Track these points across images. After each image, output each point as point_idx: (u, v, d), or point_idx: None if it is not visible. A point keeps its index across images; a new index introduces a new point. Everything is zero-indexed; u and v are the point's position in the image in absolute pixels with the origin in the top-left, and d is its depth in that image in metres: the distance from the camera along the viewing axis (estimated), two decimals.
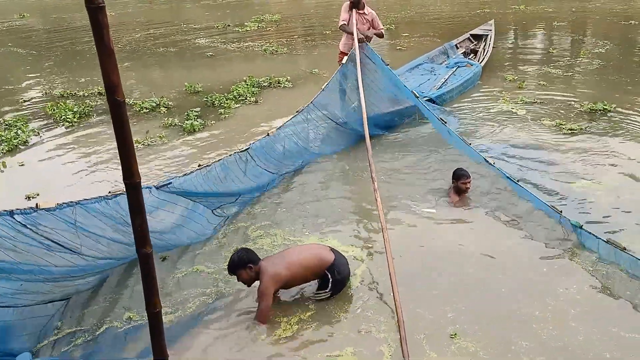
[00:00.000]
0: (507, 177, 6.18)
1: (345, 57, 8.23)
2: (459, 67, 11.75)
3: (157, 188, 4.99)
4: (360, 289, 5.19)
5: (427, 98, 9.32)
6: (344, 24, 8.84)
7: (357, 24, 8.49)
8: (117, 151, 2.10)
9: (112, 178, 7.83)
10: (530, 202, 6.19)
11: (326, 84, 7.82)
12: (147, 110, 11.19)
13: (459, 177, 6.48)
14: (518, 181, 6.15)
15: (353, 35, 8.32)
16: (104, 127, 10.25)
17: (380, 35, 9.33)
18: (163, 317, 4.72)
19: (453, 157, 7.64)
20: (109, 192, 4.46)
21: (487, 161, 6.51)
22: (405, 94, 8.06)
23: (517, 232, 5.93)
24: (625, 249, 4.91)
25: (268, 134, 6.89)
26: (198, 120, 10.07)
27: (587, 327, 4.49)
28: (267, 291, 4.74)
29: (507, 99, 10.54)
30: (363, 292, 5.13)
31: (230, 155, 6.21)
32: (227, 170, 6.15)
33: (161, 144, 9.25)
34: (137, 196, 2.24)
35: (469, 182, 6.47)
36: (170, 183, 5.12)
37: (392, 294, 4.87)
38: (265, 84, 12.54)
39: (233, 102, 11.25)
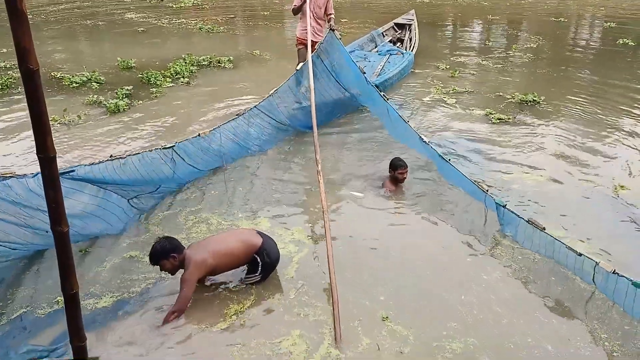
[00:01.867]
0: (439, 156, 6.32)
1: (300, 64, 8.00)
2: (390, 54, 11.97)
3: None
4: (294, 274, 5.15)
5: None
6: (295, 6, 8.66)
7: (311, 6, 8.35)
8: None
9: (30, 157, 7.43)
10: (458, 186, 6.38)
11: (275, 89, 7.58)
12: (77, 85, 10.67)
13: (397, 167, 6.56)
14: (449, 160, 6.30)
15: (306, 19, 8.19)
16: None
17: (329, 21, 8.96)
18: (91, 302, 4.67)
19: (391, 146, 7.77)
20: None
21: (422, 139, 6.59)
22: (358, 78, 8.04)
23: (445, 220, 6.06)
24: (544, 229, 5.11)
25: (199, 135, 6.48)
26: (125, 99, 9.57)
27: (510, 312, 4.65)
28: (191, 278, 4.57)
29: (439, 87, 10.80)
30: (297, 277, 5.09)
31: (151, 151, 5.78)
32: (148, 166, 5.73)
33: (79, 124, 8.71)
34: (52, 171, 2.12)
35: (406, 172, 6.57)
36: (72, 171, 4.75)
37: (326, 278, 4.91)
38: (205, 63, 12.24)
39: (169, 80, 10.91)
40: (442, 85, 11.00)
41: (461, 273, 5.18)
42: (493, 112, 9.40)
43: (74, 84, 10.65)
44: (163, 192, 6.33)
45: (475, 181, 5.97)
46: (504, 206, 5.53)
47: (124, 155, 5.37)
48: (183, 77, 11.14)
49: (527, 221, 5.26)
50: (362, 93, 8.53)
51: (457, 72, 11.95)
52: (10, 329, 4.45)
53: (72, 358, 2.50)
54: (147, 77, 10.93)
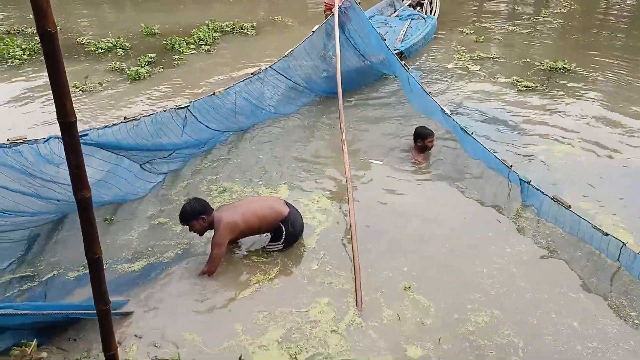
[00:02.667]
0: (462, 129, 6.19)
1: (316, 26, 7.73)
2: (412, 19, 11.57)
3: None
4: (316, 244, 5.14)
5: (397, 51, 9.18)
6: None
7: None
8: None
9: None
10: (482, 160, 6.22)
11: (291, 50, 7.37)
12: (103, 50, 10.65)
13: (425, 135, 6.43)
14: (472, 134, 6.18)
15: None
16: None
17: None
18: (124, 267, 4.76)
19: (413, 115, 7.61)
20: (8, 140, 4.12)
21: (444, 111, 6.43)
22: (380, 45, 7.85)
23: (468, 192, 5.96)
24: (569, 207, 5.00)
25: (214, 93, 6.36)
26: (145, 67, 9.50)
27: (534, 286, 4.57)
28: (223, 241, 4.65)
29: (463, 54, 10.48)
30: (319, 248, 5.08)
31: (165, 111, 5.71)
32: (159, 126, 5.63)
33: (100, 91, 8.70)
34: (73, 136, 2.09)
35: (433, 140, 6.45)
36: (86, 135, 4.66)
37: (348, 248, 4.91)
38: (228, 29, 12.10)
39: (193, 47, 10.81)
40: (466, 51, 10.66)
41: (483, 246, 5.11)
42: (520, 79, 9.10)
43: (100, 50, 10.65)
44: (179, 159, 6.26)
45: (499, 157, 5.78)
46: (529, 182, 5.40)
47: (138, 117, 5.30)
48: (206, 44, 11.04)
49: (552, 198, 5.13)
50: (382, 61, 8.34)
51: (482, 37, 11.58)
52: (42, 290, 4.57)
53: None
54: (170, 43, 10.86)
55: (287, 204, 5.05)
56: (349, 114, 7.69)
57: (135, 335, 4.10)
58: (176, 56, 10.25)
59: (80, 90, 8.62)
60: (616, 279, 4.65)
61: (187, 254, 4.99)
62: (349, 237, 4.98)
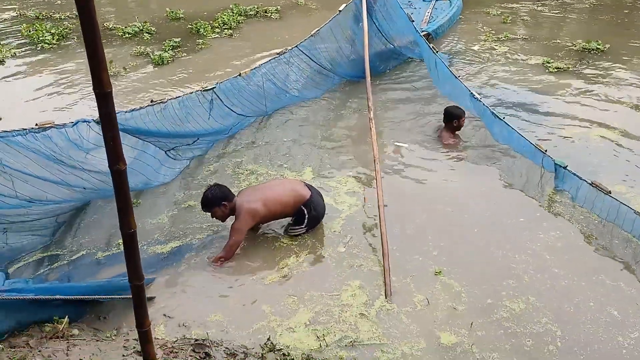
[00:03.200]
0: (493, 114, 6.00)
1: (343, 5, 7.50)
2: (436, 0, 11.25)
3: (97, 122, 4.42)
4: (340, 228, 5.06)
5: (424, 32, 8.98)
6: None
7: None
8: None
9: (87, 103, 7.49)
10: (513, 144, 6.02)
11: (317, 29, 7.20)
12: (130, 35, 10.64)
13: (458, 115, 6.28)
14: (504, 118, 5.99)
15: None
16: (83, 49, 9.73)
17: None
18: (154, 248, 4.75)
19: (438, 99, 7.44)
20: (36, 125, 4.08)
21: (473, 95, 6.24)
22: (407, 27, 7.63)
23: (499, 175, 5.82)
24: (609, 193, 4.83)
25: (240, 74, 6.20)
26: (169, 51, 9.42)
27: (569, 273, 4.43)
28: (243, 228, 4.59)
29: (490, 35, 10.18)
30: (345, 231, 5.00)
31: (191, 93, 5.63)
32: (186, 109, 5.54)
33: (124, 75, 8.67)
34: (109, 108, 2.04)
35: (464, 119, 6.32)
36: None
37: (375, 231, 4.84)
38: (252, 13, 11.99)
39: (218, 31, 10.75)
40: (493, 32, 10.34)
41: (516, 231, 4.97)
42: (550, 60, 8.79)
43: (127, 35, 10.64)
44: (202, 145, 6.17)
45: (533, 142, 5.61)
46: (565, 167, 5.23)
47: (165, 100, 5.24)
48: (229, 28, 10.96)
49: (590, 183, 4.96)
50: (408, 45, 8.16)
51: (509, 18, 11.21)
52: (71, 269, 4.60)
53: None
54: (196, 27, 10.81)
55: (308, 186, 4.98)
56: (373, 97, 7.54)
57: (165, 315, 4.10)
58: (200, 40, 10.17)
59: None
60: None
61: (216, 237, 4.97)
62: (377, 219, 4.89)
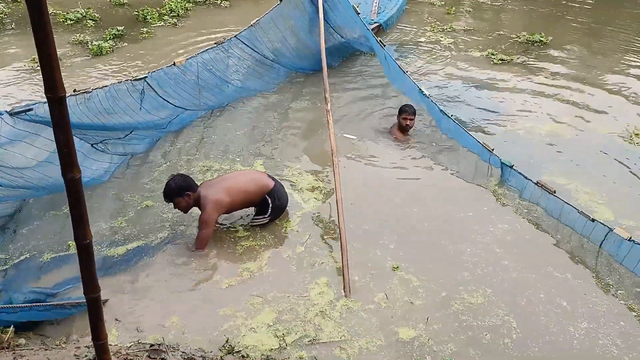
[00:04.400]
0: (441, 111, 6.08)
1: None
2: None
3: (11, 115, 4.08)
4: (301, 223, 5.04)
5: (375, 24, 8.96)
6: None
7: None
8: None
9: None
10: (461, 140, 6.12)
11: (257, 19, 6.98)
12: (72, 22, 10.15)
13: (401, 112, 6.32)
14: (452, 116, 6.07)
15: None
16: (18, 38, 9.20)
17: None
18: (107, 250, 4.58)
19: (391, 92, 7.47)
20: None
21: (422, 91, 6.29)
22: (354, 20, 7.50)
23: (451, 170, 5.89)
24: (554, 192, 4.99)
25: (174, 63, 5.90)
26: (109, 41, 9.02)
27: (519, 266, 4.55)
28: (211, 219, 4.54)
29: (435, 26, 10.26)
30: (303, 228, 4.97)
31: (119, 82, 5.27)
32: (114, 100, 5.18)
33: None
34: (62, 113, 1.91)
35: (411, 119, 6.31)
36: (30, 109, 4.20)
37: (333, 227, 4.87)
38: (200, 0, 11.65)
39: (166, 18, 10.37)
40: (438, 23, 10.42)
41: (467, 224, 5.06)
42: (494, 52, 8.94)
43: (69, 21, 10.12)
44: (137, 141, 5.87)
45: (480, 141, 5.71)
46: (512, 167, 5.37)
47: (89, 90, 4.87)
48: (178, 16, 10.63)
49: (535, 183, 5.12)
50: (358, 38, 8.08)
51: (453, 9, 11.34)
52: (15, 273, 4.38)
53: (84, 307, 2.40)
54: (142, 14, 10.41)
55: (271, 177, 4.98)
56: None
57: (117, 320, 3.97)
58: (144, 29, 9.78)
59: (37, 64, 8.16)
60: (601, 258, 4.66)
61: (171, 238, 4.83)
62: (333, 215, 4.93)
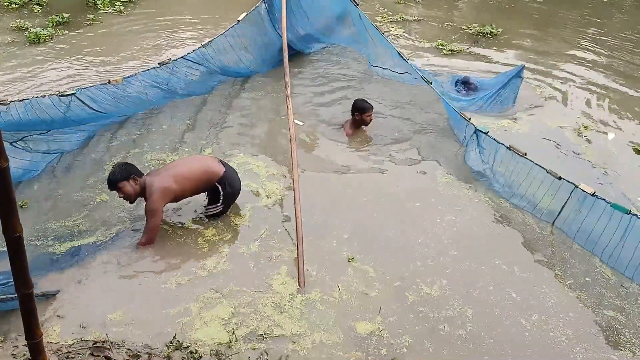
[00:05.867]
0: (422, 78, 5.98)
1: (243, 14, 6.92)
2: None
3: None
4: (257, 212, 4.95)
5: None
6: None
7: None
8: None
9: None
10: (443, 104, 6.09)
11: (210, 40, 6.58)
12: (17, 5, 9.68)
13: (364, 109, 6.12)
14: (431, 83, 5.97)
15: None
16: None
17: None
18: (52, 246, 4.37)
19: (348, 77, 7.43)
20: None
21: (401, 55, 6.20)
22: None
23: (400, 162, 5.82)
24: (525, 155, 4.97)
25: (109, 82, 5.51)
26: (49, 28, 8.60)
27: (468, 256, 4.54)
28: (157, 207, 4.36)
29: (386, 16, 10.10)
30: (260, 218, 4.88)
31: (44, 97, 4.94)
32: (36, 112, 4.93)
33: None
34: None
35: (372, 115, 6.18)
36: None
37: (289, 218, 4.80)
38: None
39: (118, 4, 9.93)
40: (389, 13, 10.28)
41: (418, 214, 5.04)
42: (444, 43, 8.88)
43: (13, 5, 9.64)
44: (63, 136, 5.54)
45: (457, 111, 5.73)
46: (486, 133, 5.38)
47: (6, 101, 4.61)
48: (130, 1, 10.23)
49: (507, 147, 5.13)
50: (325, 27, 7.90)
51: None
52: None
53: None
54: (93, 0, 9.97)
55: (222, 162, 4.80)
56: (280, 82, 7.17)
57: (58, 316, 3.77)
58: (91, 15, 9.35)
59: None
60: (553, 249, 4.72)
61: (120, 234, 4.65)
62: (288, 205, 4.85)
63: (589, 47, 9.18)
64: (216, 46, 6.67)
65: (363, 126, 6.29)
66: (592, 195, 4.41)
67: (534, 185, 4.96)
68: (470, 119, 5.61)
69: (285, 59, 6.20)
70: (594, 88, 7.73)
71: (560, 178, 4.65)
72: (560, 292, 4.25)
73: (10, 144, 4.96)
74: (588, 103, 7.31)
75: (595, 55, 8.84)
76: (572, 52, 9.00)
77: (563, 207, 4.72)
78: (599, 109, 7.15)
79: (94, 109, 5.48)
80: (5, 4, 9.69)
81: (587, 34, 9.80)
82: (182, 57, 6.31)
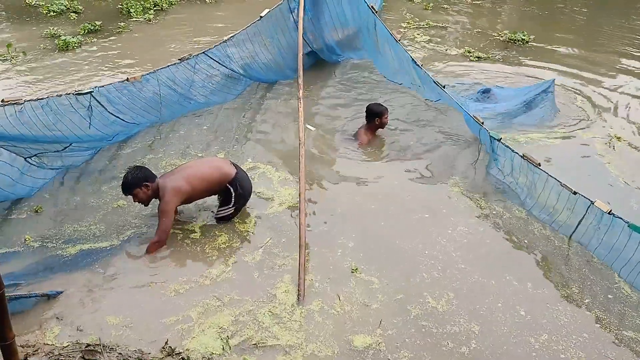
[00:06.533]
0: (435, 83, 5.76)
1: (265, 10, 6.74)
2: None
3: None
4: (265, 219, 4.89)
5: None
6: None
7: None
8: None
9: None
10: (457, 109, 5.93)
11: (231, 35, 6.41)
12: (55, 14, 10.01)
13: (381, 113, 6.02)
14: (444, 87, 5.76)
15: None
16: None
17: None
18: (62, 250, 4.43)
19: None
20: None
21: (415, 62, 5.97)
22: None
23: (412, 172, 5.66)
24: (539, 165, 4.77)
25: (127, 79, 5.37)
26: (77, 36, 8.78)
27: (477, 271, 4.35)
28: (169, 207, 4.40)
29: (412, 22, 9.93)
30: (267, 225, 4.82)
31: (60, 96, 4.82)
32: (55, 115, 4.78)
33: (20, 61, 8.00)
34: None
35: (388, 116, 6.10)
36: None
37: (291, 224, 4.74)
38: None
39: (151, 12, 10.17)
40: (416, 19, 10.10)
41: (426, 225, 4.87)
42: (471, 50, 8.65)
43: (52, 13, 9.97)
44: (77, 152, 5.45)
45: (471, 114, 5.54)
46: (499, 140, 5.18)
47: (21, 100, 4.49)
48: (161, 9, 10.44)
49: (521, 156, 4.91)
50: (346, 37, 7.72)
51: (431, 5, 11.02)
52: None
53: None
54: (126, 7, 10.22)
55: (233, 164, 4.82)
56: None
57: (57, 318, 3.79)
58: (122, 23, 9.55)
59: (1, 59, 7.98)
60: (569, 264, 4.47)
61: (131, 239, 4.67)
62: (294, 213, 4.78)
63: (633, 56, 8.79)
64: (237, 41, 6.52)
65: (379, 131, 6.20)
66: (609, 213, 4.14)
67: (552, 197, 4.71)
68: (483, 122, 5.41)
69: (300, 59, 6.04)
70: (632, 99, 7.38)
71: (575, 193, 4.40)
72: (576, 311, 4.00)
73: (25, 159, 4.95)
74: (625, 114, 6.98)
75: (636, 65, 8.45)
76: (610, 61, 8.64)
77: (580, 221, 4.46)
78: (634, 120, 6.81)
79: (112, 114, 5.36)
80: (44, 11, 10.04)
81: (630, 44, 9.39)
82: (203, 52, 6.17)
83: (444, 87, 5.80)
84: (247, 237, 4.71)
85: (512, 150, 5.02)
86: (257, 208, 5.01)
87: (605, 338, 3.80)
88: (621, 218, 4.06)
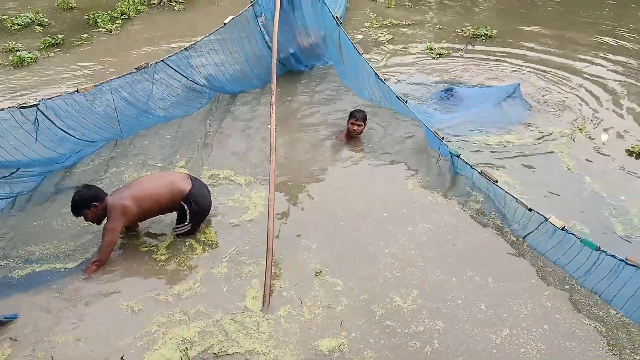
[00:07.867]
0: (398, 98, 5.72)
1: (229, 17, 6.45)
2: None
3: None
4: (231, 227, 4.86)
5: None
6: None
7: None
8: None
9: None
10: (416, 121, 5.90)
11: (192, 43, 6.16)
12: (19, 27, 9.83)
13: (349, 116, 6.08)
14: (406, 102, 5.75)
15: None
16: None
17: None
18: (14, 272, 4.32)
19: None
20: None
21: (377, 75, 5.91)
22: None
23: (382, 169, 5.70)
24: (496, 182, 4.81)
25: (77, 90, 5.03)
26: (33, 51, 8.53)
27: (438, 267, 4.37)
28: (113, 226, 4.32)
29: (375, 22, 9.84)
30: (231, 234, 4.78)
31: (2, 110, 4.50)
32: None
33: None
34: None
35: (359, 125, 6.05)
36: None
37: (256, 232, 4.72)
38: (155, 1, 11.23)
39: (119, 22, 10.01)
40: (380, 18, 10.01)
41: (387, 223, 4.88)
42: (433, 47, 8.62)
43: (16, 26, 9.80)
44: (27, 177, 5.19)
45: (432, 130, 5.51)
46: (458, 156, 5.23)
47: None
48: (129, 18, 10.28)
49: (479, 173, 4.97)
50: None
51: (393, 3, 10.92)
52: None
53: None
54: (93, 18, 10.04)
55: (191, 178, 4.71)
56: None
57: (11, 339, 3.72)
58: (84, 35, 9.38)
59: None
60: (524, 257, 4.51)
61: (88, 259, 4.58)
62: (261, 217, 4.76)
63: (599, 50, 8.85)
64: (199, 49, 6.23)
65: (352, 135, 6.16)
66: (562, 229, 4.10)
67: (510, 209, 4.75)
68: (443, 138, 5.40)
69: (274, 65, 5.95)
70: (595, 91, 7.42)
71: (530, 210, 4.39)
72: (536, 303, 4.03)
73: None
74: (587, 106, 7.01)
75: (600, 59, 8.51)
76: (574, 55, 8.69)
77: (532, 232, 4.50)
78: (596, 112, 6.84)
79: (62, 129, 5.03)
80: (8, 25, 9.84)
81: (596, 37, 9.43)
82: (161, 60, 5.82)
83: (406, 101, 5.79)
84: (213, 247, 4.66)
85: (471, 167, 5.07)
86: (222, 216, 4.97)
87: (565, 328, 3.84)
88: (573, 234, 4.03)
